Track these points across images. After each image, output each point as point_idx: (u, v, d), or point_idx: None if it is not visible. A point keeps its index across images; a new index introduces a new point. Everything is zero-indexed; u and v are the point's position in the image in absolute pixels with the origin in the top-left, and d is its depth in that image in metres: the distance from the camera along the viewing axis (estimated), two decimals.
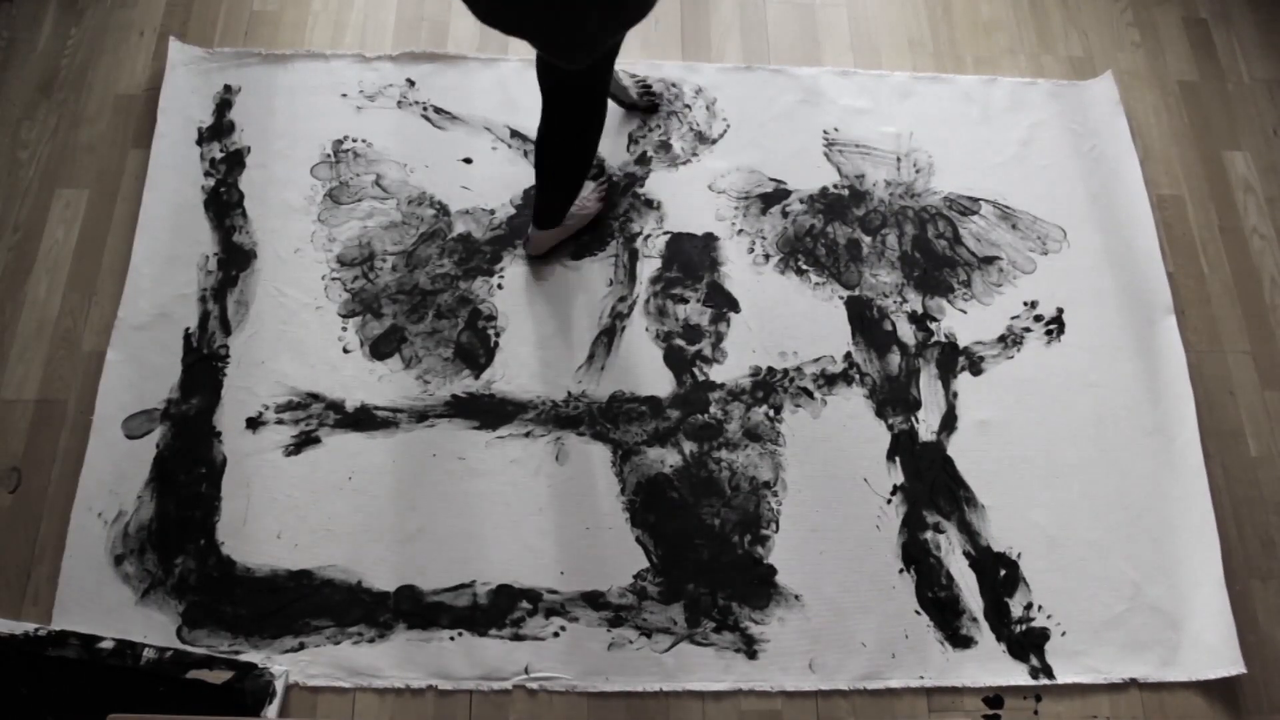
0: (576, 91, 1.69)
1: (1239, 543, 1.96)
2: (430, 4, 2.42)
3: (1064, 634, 1.86)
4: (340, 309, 2.06)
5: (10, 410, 1.94)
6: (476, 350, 2.04)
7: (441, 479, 1.92)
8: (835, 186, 2.26)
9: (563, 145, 1.81)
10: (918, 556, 1.90)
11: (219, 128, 2.23)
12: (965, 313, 2.13)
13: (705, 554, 1.88)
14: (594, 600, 1.84)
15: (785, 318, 2.11)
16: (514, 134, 2.26)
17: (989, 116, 2.36)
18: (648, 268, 2.14)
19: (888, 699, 1.80)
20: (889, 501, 1.95)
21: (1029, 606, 1.88)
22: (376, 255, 2.12)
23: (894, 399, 2.04)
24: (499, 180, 2.21)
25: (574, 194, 1.97)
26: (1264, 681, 1.85)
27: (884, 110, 2.35)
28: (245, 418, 1.95)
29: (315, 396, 1.97)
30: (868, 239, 2.20)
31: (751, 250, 2.18)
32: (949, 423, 2.02)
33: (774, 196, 2.24)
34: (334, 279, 2.09)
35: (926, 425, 2.02)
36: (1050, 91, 2.40)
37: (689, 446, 1.97)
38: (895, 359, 2.08)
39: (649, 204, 2.21)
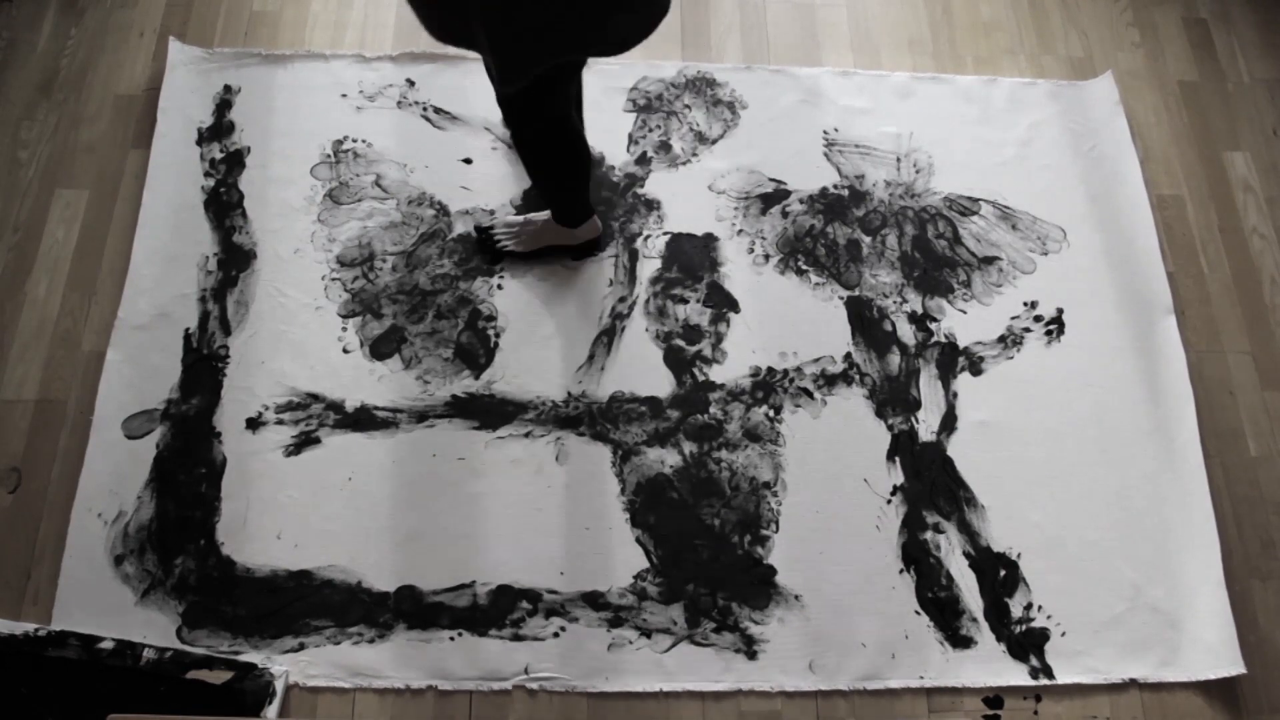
0: (519, 110, 1.64)
1: (1239, 543, 1.96)
2: None
3: (1064, 634, 1.86)
4: (340, 309, 2.06)
5: (10, 410, 1.94)
6: (476, 350, 2.04)
7: (441, 479, 1.92)
8: (835, 186, 2.26)
9: (525, 156, 1.83)
10: (918, 556, 1.90)
11: (219, 128, 2.23)
12: (965, 313, 2.13)
13: (705, 554, 1.88)
14: (594, 600, 1.84)
15: (785, 318, 2.11)
16: None
17: (989, 116, 2.36)
18: (648, 268, 2.14)
19: (888, 699, 1.80)
20: (889, 501, 1.95)
21: (1029, 606, 1.88)
22: (376, 255, 2.12)
23: (894, 399, 2.04)
24: (499, 180, 2.21)
25: (563, 198, 1.95)
26: (1264, 681, 1.85)
27: (884, 110, 2.36)
28: (245, 418, 1.95)
29: (315, 397, 1.97)
30: (868, 239, 2.20)
31: (751, 250, 2.18)
32: (949, 423, 2.02)
33: (774, 196, 2.24)
34: (334, 279, 2.09)
35: (926, 425, 2.02)
36: (1050, 91, 2.40)
37: (689, 447, 1.97)
38: (895, 359, 2.08)
39: (649, 204, 2.21)
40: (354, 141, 2.23)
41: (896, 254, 2.19)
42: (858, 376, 2.06)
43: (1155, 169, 2.33)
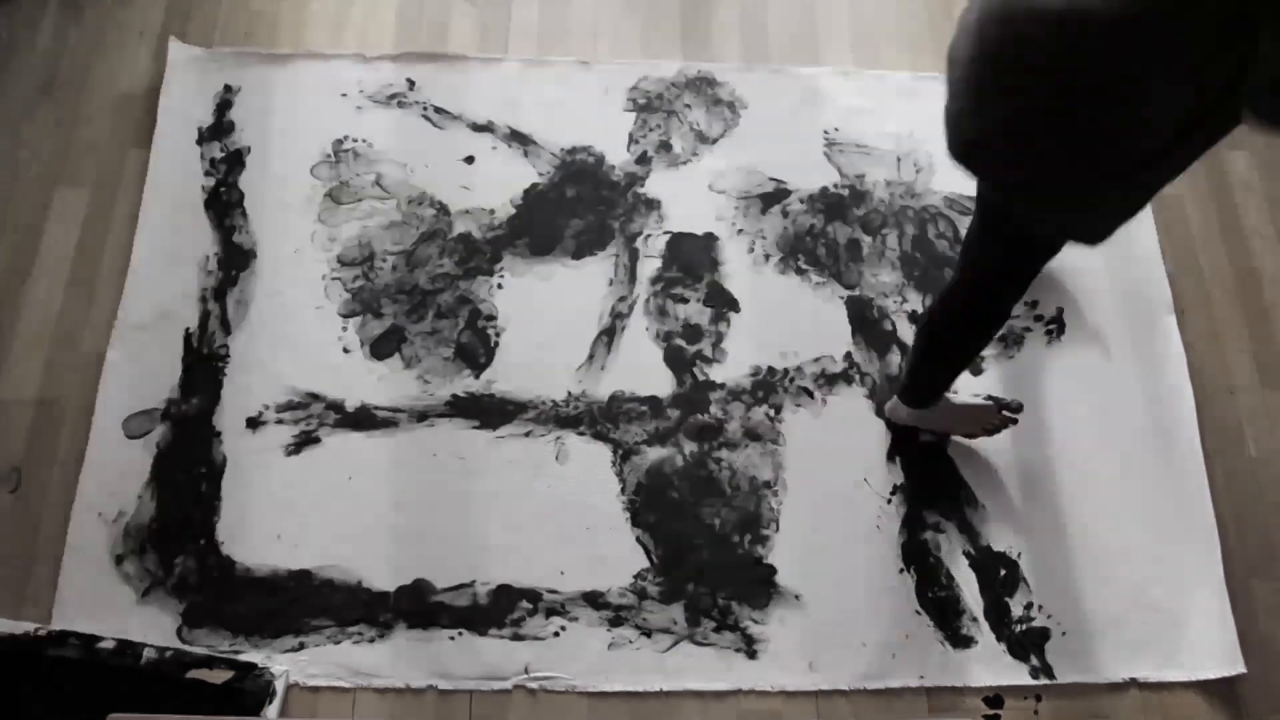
0: (1010, 275, 1.52)
1: (1239, 543, 1.96)
2: (430, 4, 2.42)
3: (1064, 634, 1.86)
4: (340, 309, 2.06)
5: (10, 410, 1.94)
6: (476, 350, 2.04)
7: (441, 479, 1.92)
8: (835, 186, 2.26)
9: (967, 327, 1.63)
10: (918, 556, 1.90)
11: (219, 128, 2.23)
12: None
13: (705, 554, 1.88)
14: (594, 600, 1.84)
15: (785, 318, 2.11)
16: (514, 134, 2.26)
17: None
18: (648, 267, 2.14)
19: (888, 699, 1.80)
20: (889, 501, 1.95)
21: (1029, 606, 1.88)
22: (376, 255, 2.12)
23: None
24: (499, 180, 2.21)
25: (951, 377, 1.79)
26: (1264, 681, 1.85)
27: (884, 110, 2.35)
28: (245, 418, 1.95)
29: (315, 396, 1.97)
30: (868, 239, 2.20)
31: (751, 250, 2.18)
32: None
33: (774, 196, 2.24)
34: (334, 279, 2.09)
35: None
36: None
37: (689, 446, 1.97)
38: (895, 359, 2.08)
39: (649, 203, 2.21)
40: (354, 141, 2.23)
41: (897, 254, 2.19)
42: (858, 376, 2.06)
43: None
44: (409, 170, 2.20)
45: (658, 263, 2.15)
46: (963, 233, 2.22)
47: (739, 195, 2.24)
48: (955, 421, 1.94)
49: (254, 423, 1.95)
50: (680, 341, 2.07)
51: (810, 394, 2.04)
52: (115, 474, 1.88)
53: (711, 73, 2.37)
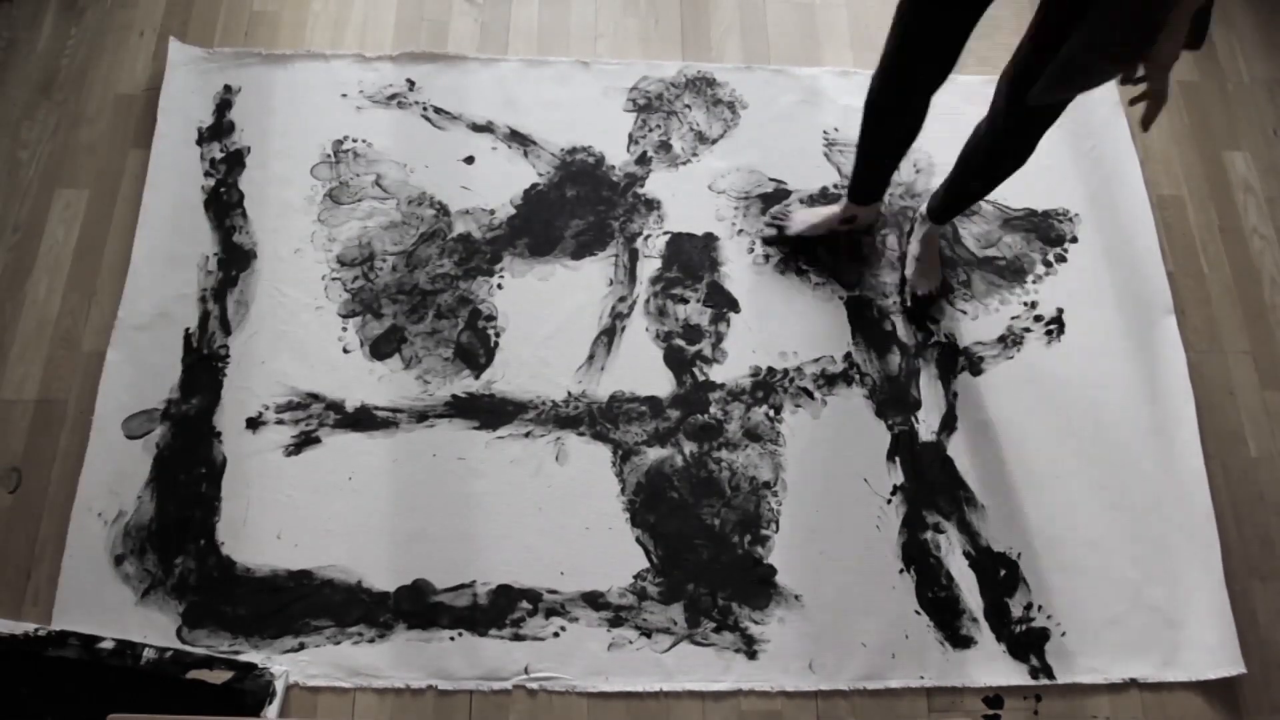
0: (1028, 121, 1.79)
1: (1239, 543, 1.96)
2: (430, 4, 2.42)
3: (1064, 634, 1.86)
4: (340, 309, 2.06)
5: (10, 410, 1.94)
6: (476, 350, 2.04)
7: (441, 479, 1.92)
8: (835, 186, 2.26)
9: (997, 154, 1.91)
10: (918, 556, 1.90)
11: (219, 128, 2.23)
12: (965, 313, 2.13)
13: (705, 554, 1.88)
14: (594, 600, 1.84)
15: (785, 318, 2.11)
16: (514, 134, 2.26)
17: None
18: (648, 268, 2.14)
19: (888, 699, 1.80)
20: (889, 501, 1.95)
21: (1029, 606, 1.88)
22: (376, 255, 2.12)
23: (894, 399, 2.04)
24: (499, 180, 2.21)
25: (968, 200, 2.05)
26: (1264, 681, 1.85)
27: None
28: (245, 418, 1.95)
29: (315, 396, 1.97)
30: (867, 239, 2.20)
31: (751, 250, 2.18)
32: (949, 423, 2.02)
33: (774, 196, 2.24)
34: (334, 279, 2.09)
35: (926, 425, 2.02)
36: None
37: (689, 446, 1.97)
38: (895, 359, 2.08)
39: (649, 204, 2.21)
40: (354, 141, 2.23)
41: (896, 254, 2.19)
42: (858, 376, 2.06)
43: (1155, 169, 2.33)
44: (409, 170, 2.20)
45: (657, 263, 2.15)
46: (961, 234, 2.22)
47: (739, 195, 2.24)
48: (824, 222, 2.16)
49: (254, 423, 1.95)
50: (680, 342, 2.07)
51: (810, 394, 2.04)
52: (115, 474, 1.88)
53: (711, 73, 2.37)
